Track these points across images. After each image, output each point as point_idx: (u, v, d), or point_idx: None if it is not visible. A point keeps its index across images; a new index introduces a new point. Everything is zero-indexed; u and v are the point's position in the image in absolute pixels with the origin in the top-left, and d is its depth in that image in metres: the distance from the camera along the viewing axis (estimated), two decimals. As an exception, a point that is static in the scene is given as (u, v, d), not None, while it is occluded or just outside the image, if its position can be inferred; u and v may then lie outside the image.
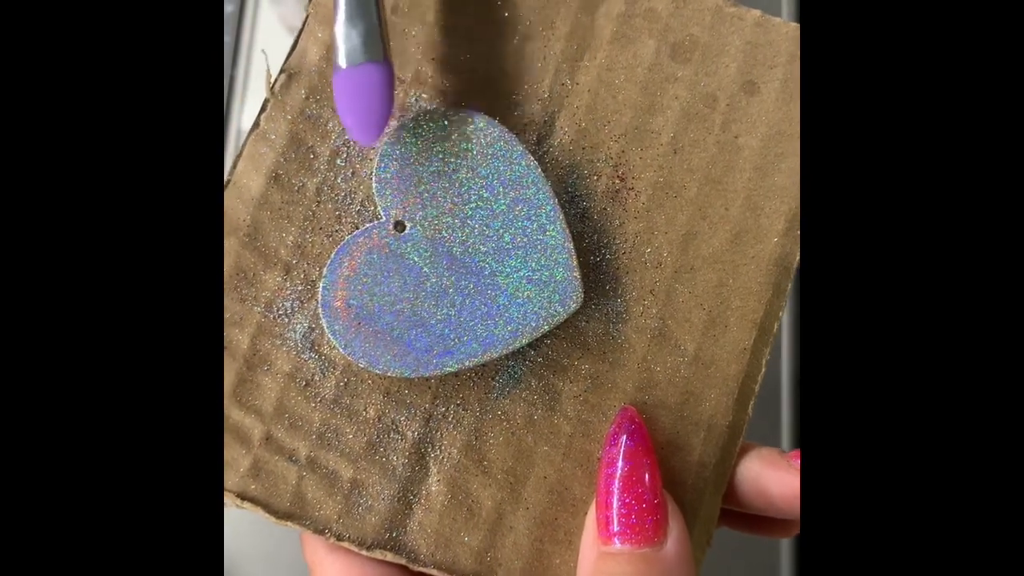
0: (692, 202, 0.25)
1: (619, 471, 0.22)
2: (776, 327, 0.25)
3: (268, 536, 0.58)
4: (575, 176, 0.26)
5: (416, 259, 0.24)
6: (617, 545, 0.22)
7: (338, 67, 0.23)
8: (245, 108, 0.65)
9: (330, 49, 0.26)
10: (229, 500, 0.24)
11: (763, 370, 0.25)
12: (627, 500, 0.22)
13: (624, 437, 0.23)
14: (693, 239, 0.25)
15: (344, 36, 0.23)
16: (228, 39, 0.65)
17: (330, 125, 0.25)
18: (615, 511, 0.22)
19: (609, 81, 0.26)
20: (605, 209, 0.25)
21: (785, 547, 0.57)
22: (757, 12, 0.25)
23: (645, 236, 0.25)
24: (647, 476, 0.22)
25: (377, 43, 0.23)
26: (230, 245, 0.25)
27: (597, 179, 0.25)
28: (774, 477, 0.24)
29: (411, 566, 0.24)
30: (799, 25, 0.25)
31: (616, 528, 0.22)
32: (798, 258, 0.25)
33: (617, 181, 0.25)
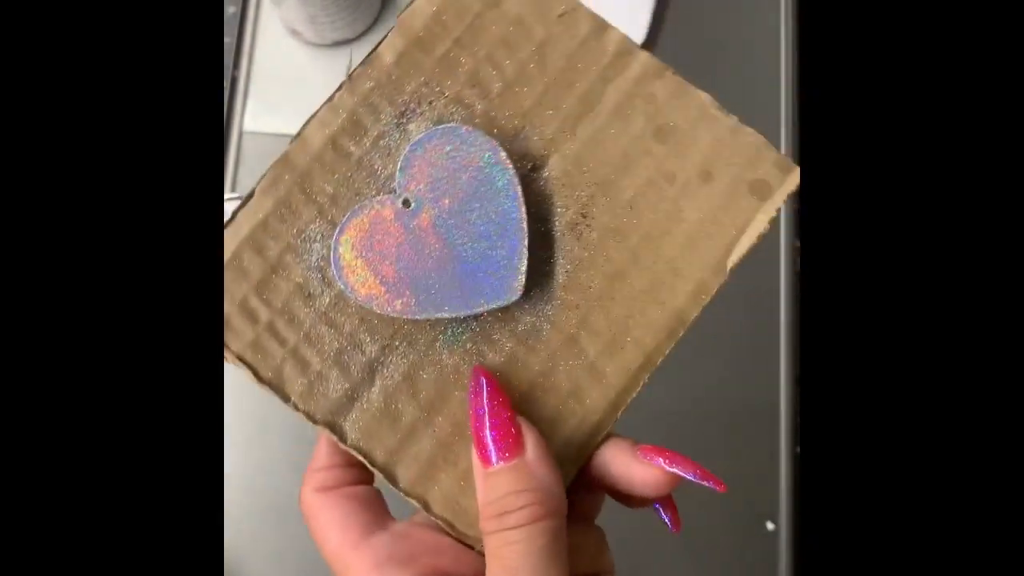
0: (630, 249, 0.32)
1: (486, 412, 0.29)
2: (659, 361, 0.31)
3: (269, 536, 0.58)
4: (549, 203, 0.33)
5: (412, 231, 0.31)
6: (496, 464, 0.28)
7: None
8: (246, 109, 0.65)
9: (400, 56, 0.32)
10: (229, 357, 0.31)
11: (639, 388, 0.31)
12: (495, 430, 0.28)
13: (483, 389, 0.29)
14: (621, 278, 0.32)
15: None
16: (230, 40, 0.65)
17: (383, 115, 0.32)
18: (489, 441, 0.28)
19: (600, 140, 0.33)
20: (564, 235, 0.32)
21: (785, 546, 0.58)
22: (734, 119, 0.32)
23: (586, 264, 0.32)
24: (503, 410, 0.29)
25: None
26: (286, 181, 0.32)
27: (565, 210, 0.32)
28: (638, 469, 0.30)
29: (340, 444, 0.31)
30: (765, 139, 0.31)
31: (492, 453, 0.28)
32: (695, 316, 0.32)
33: (580, 217, 0.32)
